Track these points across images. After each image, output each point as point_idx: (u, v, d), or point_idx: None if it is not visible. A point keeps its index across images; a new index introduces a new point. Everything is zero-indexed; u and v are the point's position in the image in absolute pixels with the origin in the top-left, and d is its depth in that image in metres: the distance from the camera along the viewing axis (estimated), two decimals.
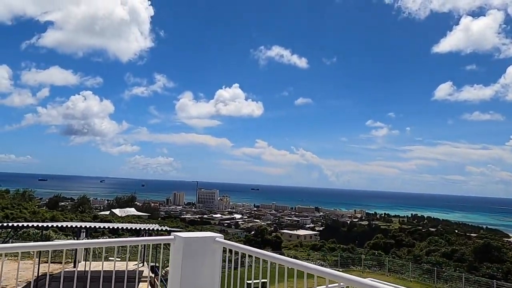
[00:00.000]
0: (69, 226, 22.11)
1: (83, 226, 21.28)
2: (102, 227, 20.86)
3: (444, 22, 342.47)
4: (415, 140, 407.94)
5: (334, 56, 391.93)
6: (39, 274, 21.28)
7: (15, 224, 18.88)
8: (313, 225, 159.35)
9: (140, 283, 20.10)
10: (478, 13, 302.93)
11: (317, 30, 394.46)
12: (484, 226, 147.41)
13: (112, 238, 34.46)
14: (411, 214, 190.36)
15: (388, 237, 45.62)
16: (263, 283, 22.90)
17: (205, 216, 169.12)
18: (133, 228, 20.19)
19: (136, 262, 24.95)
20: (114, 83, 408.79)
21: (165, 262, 27.56)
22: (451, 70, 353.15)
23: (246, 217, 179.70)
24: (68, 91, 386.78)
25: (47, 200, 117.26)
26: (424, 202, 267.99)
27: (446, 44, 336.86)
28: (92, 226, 20.44)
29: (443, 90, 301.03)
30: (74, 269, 20.48)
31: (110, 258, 27.17)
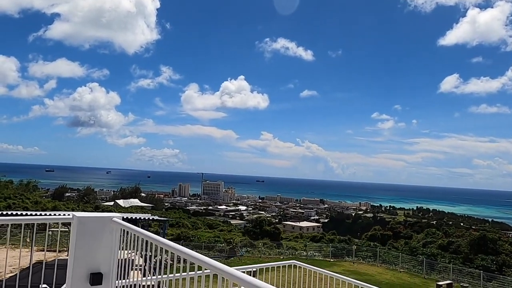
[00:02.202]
0: (62, 215, 22.59)
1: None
2: None
3: (451, 14, 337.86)
4: (422, 133, 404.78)
5: (340, 48, 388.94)
6: (34, 262, 21.70)
7: (5, 212, 19.32)
8: (317, 217, 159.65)
9: (131, 271, 20.55)
10: (485, 5, 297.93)
11: (323, 23, 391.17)
12: (490, 220, 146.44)
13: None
14: (417, 206, 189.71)
15: (386, 229, 45.79)
16: (254, 271, 23.04)
17: (210, 207, 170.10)
18: (125, 217, 20.54)
19: (128, 251, 25.41)
20: (120, 75, 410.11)
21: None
22: (457, 63, 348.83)
23: (251, 209, 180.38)
24: (74, 83, 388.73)
25: (53, 190, 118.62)
26: (430, 195, 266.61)
27: (452, 37, 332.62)
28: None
29: (449, 83, 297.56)
30: (67, 257, 20.92)
31: None
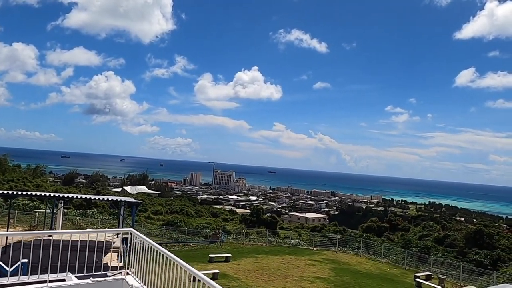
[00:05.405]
0: (47, 195, 22.92)
1: (60, 196, 21.91)
2: (78, 197, 21.35)
3: (468, 7, 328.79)
4: (437, 127, 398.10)
5: (354, 41, 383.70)
6: (15, 241, 22.15)
7: None
8: (328, 209, 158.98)
9: (109, 253, 20.69)
10: None
11: (338, 15, 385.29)
12: (504, 216, 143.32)
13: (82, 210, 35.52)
14: (429, 201, 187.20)
15: (384, 221, 45.12)
16: (227, 257, 22.71)
17: (221, 197, 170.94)
18: (107, 199, 20.63)
19: (111, 234, 25.57)
20: (135, 64, 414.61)
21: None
22: (473, 57, 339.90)
23: (261, 199, 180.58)
24: (91, 71, 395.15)
25: (63, 176, 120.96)
26: (443, 190, 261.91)
27: (469, 30, 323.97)
28: (69, 196, 21.01)
29: (465, 77, 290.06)
30: (49, 237, 21.28)
31: (88, 229, 28.04)
